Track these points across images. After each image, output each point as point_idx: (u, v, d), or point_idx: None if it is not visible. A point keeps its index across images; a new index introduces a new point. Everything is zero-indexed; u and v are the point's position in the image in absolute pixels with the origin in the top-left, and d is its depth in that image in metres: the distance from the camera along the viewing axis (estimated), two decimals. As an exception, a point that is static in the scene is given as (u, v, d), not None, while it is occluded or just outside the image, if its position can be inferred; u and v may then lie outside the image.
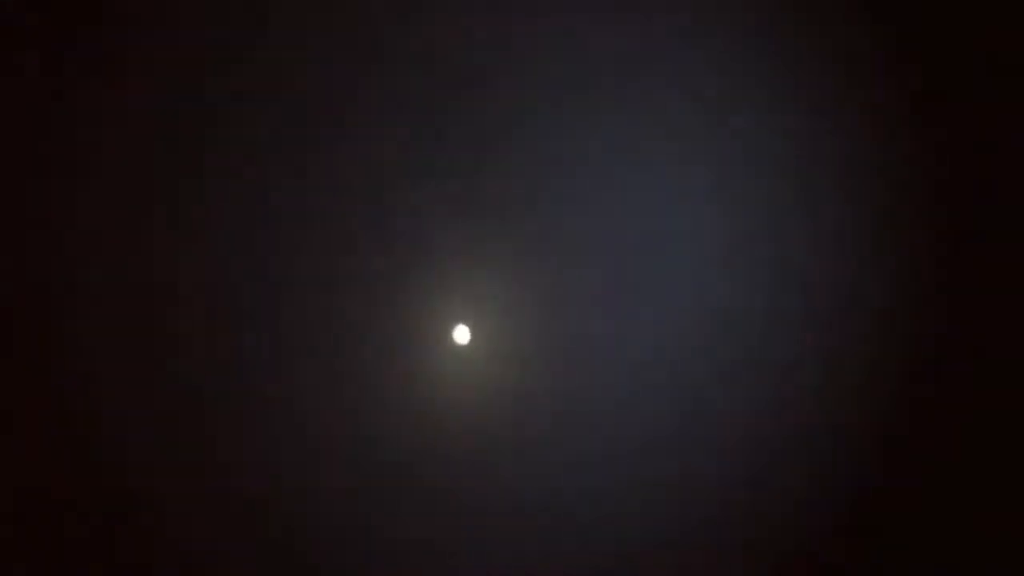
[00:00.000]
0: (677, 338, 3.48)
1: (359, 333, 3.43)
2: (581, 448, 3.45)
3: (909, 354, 3.45)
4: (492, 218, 3.48)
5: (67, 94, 3.43)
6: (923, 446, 3.42)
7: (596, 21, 3.52)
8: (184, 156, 3.47)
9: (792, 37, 3.53)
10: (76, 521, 3.35)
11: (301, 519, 3.40)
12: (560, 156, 3.50)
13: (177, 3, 3.45)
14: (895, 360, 3.45)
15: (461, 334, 3.43)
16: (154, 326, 3.42)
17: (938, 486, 3.39)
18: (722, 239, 3.50)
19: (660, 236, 3.50)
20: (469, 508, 3.43)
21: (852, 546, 3.40)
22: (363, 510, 3.41)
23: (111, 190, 3.46)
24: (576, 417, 3.45)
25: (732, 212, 3.50)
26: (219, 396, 3.42)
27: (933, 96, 3.52)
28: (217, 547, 3.37)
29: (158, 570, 3.35)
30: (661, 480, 3.45)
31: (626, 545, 3.44)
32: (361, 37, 3.49)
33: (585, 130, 3.51)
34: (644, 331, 3.48)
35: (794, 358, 3.47)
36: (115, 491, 3.37)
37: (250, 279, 3.44)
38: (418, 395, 3.42)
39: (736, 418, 3.46)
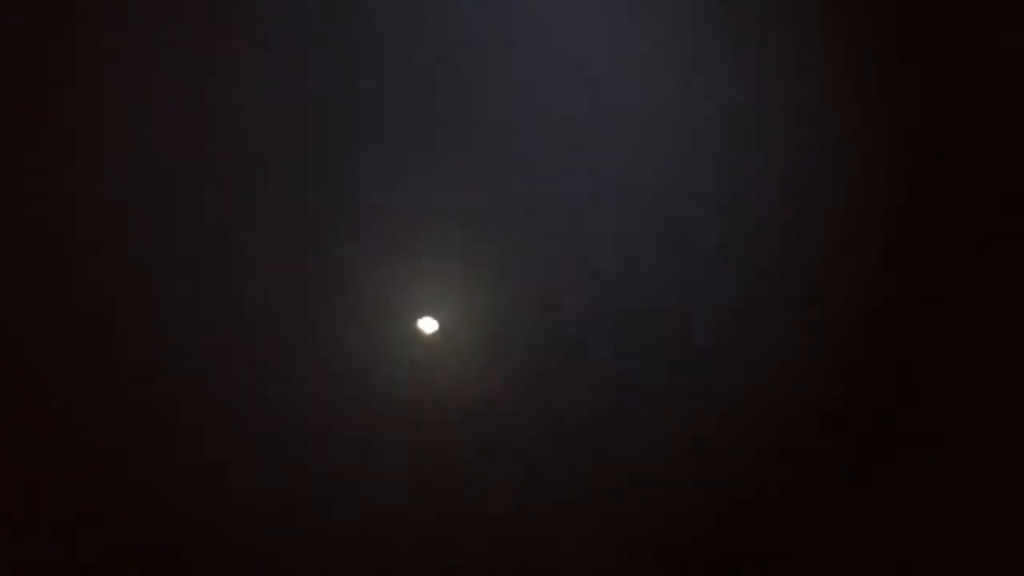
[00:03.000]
0: (662, 326, 3.47)
1: (320, 325, 3.42)
2: (557, 440, 3.44)
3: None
4: (458, 206, 3.46)
5: None
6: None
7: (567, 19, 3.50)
8: (163, 156, 3.45)
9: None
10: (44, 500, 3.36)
11: (263, 515, 3.39)
12: (532, 142, 3.49)
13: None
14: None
15: (427, 324, 3.41)
16: (120, 315, 3.41)
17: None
18: (713, 232, 3.49)
19: (635, 223, 3.49)
20: (447, 507, 3.42)
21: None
22: (333, 504, 3.40)
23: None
24: (551, 408, 3.45)
25: (722, 213, 3.50)
26: (185, 390, 3.41)
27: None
28: (183, 535, 3.37)
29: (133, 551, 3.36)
30: (650, 474, 3.44)
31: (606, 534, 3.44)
32: (337, 31, 3.47)
33: (559, 120, 3.49)
34: (621, 316, 3.47)
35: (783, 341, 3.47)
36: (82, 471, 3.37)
37: (205, 269, 3.43)
38: (383, 387, 3.41)
39: (730, 408, 3.46)
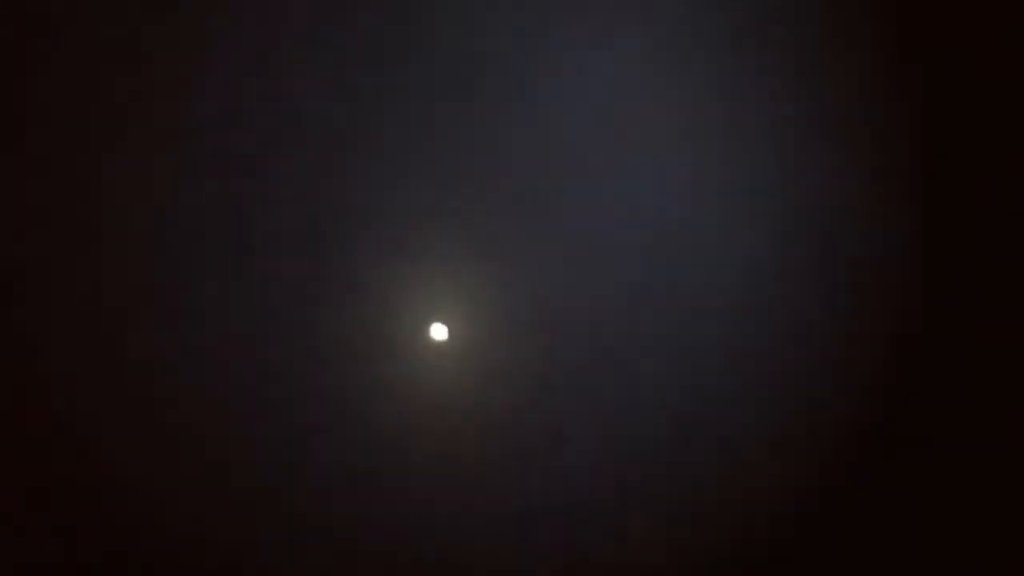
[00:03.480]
0: (666, 330, 3.47)
1: (331, 333, 3.41)
2: (568, 448, 3.43)
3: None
4: (469, 212, 3.45)
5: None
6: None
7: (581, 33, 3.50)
8: (159, 164, 3.45)
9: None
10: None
11: (263, 515, 3.39)
12: (540, 151, 3.48)
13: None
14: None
15: (438, 331, 3.40)
16: (130, 323, 3.41)
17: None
18: (706, 231, 3.49)
19: (642, 231, 3.48)
20: (448, 512, 3.41)
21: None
22: (336, 510, 3.40)
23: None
24: (562, 417, 3.44)
25: (716, 208, 3.49)
26: (185, 390, 3.40)
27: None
28: (183, 535, 3.37)
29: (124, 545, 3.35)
30: (650, 476, 3.44)
31: (610, 549, 3.43)
32: (335, 36, 3.46)
33: (565, 128, 3.48)
34: (629, 321, 3.46)
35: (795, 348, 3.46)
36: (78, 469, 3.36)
37: (221, 275, 3.42)
38: (394, 395, 3.40)
39: (735, 414, 3.45)
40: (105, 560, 3.35)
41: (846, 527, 3.42)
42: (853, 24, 3.53)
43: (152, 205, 3.42)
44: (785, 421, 3.45)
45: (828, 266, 3.48)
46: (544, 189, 3.46)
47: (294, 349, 3.40)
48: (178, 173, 3.43)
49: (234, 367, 3.39)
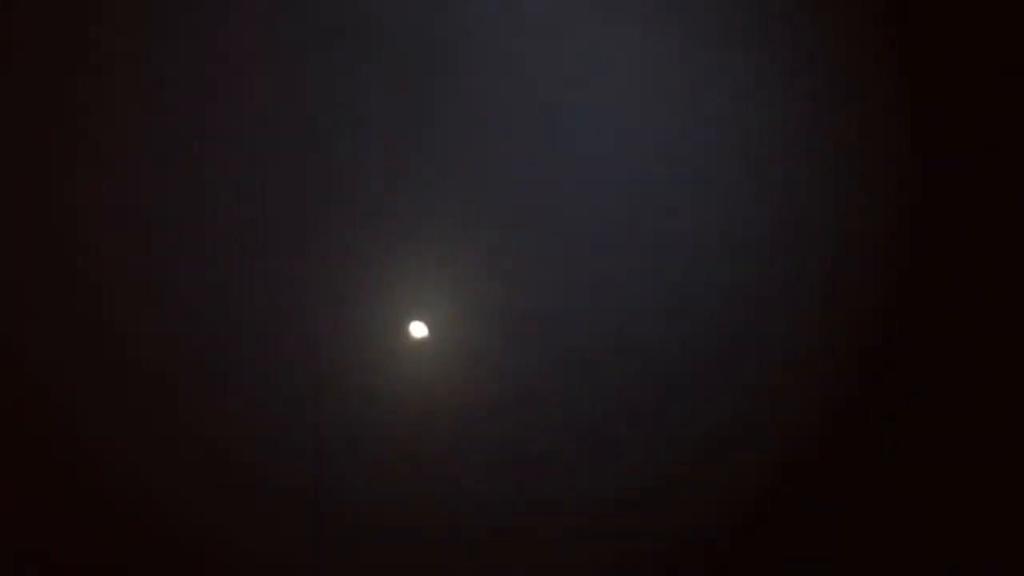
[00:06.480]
0: (651, 330, 3.47)
1: (309, 332, 3.41)
2: (547, 448, 3.43)
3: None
4: (448, 210, 3.45)
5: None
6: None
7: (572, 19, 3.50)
8: (149, 152, 3.45)
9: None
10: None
11: (266, 518, 3.39)
12: (523, 149, 3.48)
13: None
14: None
15: (418, 329, 3.40)
16: (114, 323, 3.41)
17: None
18: (693, 229, 3.49)
19: (625, 226, 3.48)
20: (427, 507, 3.42)
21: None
22: (326, 509, 3.40)
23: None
24: (543, 415, 3.44)
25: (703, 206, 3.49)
26: (184, 392, 3.40)
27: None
28: (183, 535, 3.37)
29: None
30: (637, 484, 3.44)
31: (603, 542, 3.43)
32: (320, 34, 3.46)
33: (550, 123, 3.48)
34: (613, 320, 3.46)
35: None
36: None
37: (198, 275, 3.42)
38: (373, 394, 3.40)
39: (720, 420, 3.45)
40: (106, 560, 3.35)
41: (846, 527, 3.42)
42: (852, 23, 3.53)
43: (151, 205, 3.42)
44: (783, 421, 3.45)
45: (827, 265, 3.48)
46: (526, 185, 3.46)
47: (267, 355, 3.40)
48: (176, 175, 3.43)
49: (231, 367, 3.40)
